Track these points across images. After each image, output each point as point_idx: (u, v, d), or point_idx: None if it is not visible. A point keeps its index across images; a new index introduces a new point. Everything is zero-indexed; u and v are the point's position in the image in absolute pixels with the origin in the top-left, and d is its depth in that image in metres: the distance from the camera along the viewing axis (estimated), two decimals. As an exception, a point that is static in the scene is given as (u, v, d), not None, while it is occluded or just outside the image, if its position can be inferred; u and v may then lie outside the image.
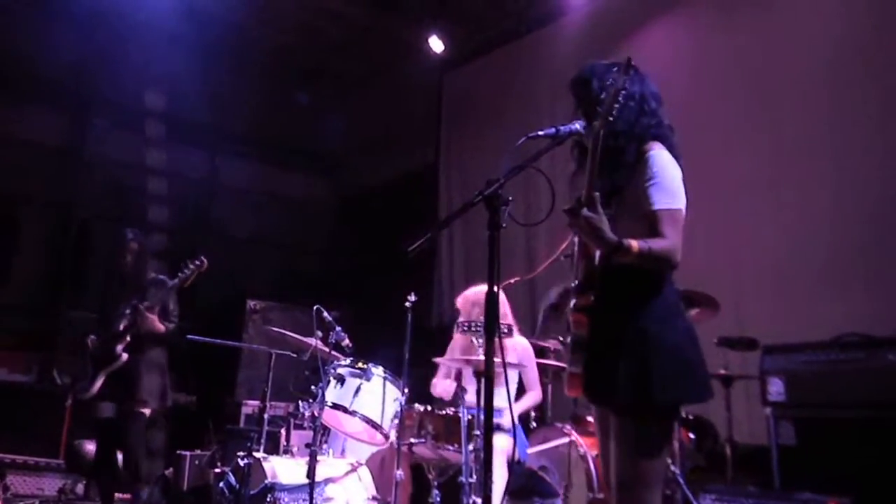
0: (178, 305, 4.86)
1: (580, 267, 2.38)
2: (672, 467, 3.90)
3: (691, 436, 4.55)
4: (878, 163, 4.94)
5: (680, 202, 2.32)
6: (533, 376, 4.49)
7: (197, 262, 4.64)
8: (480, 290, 4.44)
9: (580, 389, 2.41)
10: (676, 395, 2.33)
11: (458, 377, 4.32)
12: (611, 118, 2.22)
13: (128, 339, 4.67)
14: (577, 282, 2.41)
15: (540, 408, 4.90)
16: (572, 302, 2.37)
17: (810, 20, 5.47)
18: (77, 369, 4.85)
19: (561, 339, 2.65)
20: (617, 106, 2.25)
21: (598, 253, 2.31)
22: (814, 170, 5.25)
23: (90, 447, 5.86)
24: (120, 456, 4.85)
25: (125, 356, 4.66)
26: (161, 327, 4.70)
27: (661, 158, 2.34)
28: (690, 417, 4.61)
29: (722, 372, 4.47)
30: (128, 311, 4.72)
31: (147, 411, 4.74)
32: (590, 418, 4.47)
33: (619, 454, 2.31)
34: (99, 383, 4.66)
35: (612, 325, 2.32)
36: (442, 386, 4.60)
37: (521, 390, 4.56)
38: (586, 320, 2.33)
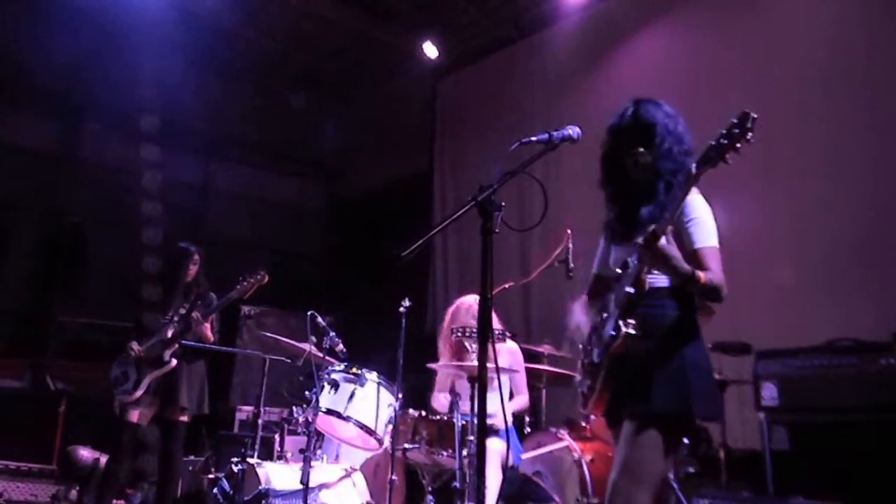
0: (219, 321, 5.09)
1: (626, 295, 2.42)
2: (666, 472, 3.90)
3: (685, 441, 4.55)
4: (872, 168, 4.97)
5: (716, 241, 2.52)
6: (521, 381, 4.47)
7: (258, 276, 4.80)
8: (469, 299, 4.46)
9: (603, 408, 2.55)
10: (708, 409, 2.49)
11: (453, 388, 4.31)
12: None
13: (176, 346, 4.81)
14: (620, 308, 2.46)
15: (534, 413, 4.90)
16: (621, 327, 2.40)
17: (803, 24, 5.50)
18: (120, 375, 4.91)
19: (582, 359, 2.67)
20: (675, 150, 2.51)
21: (646, 281, 2.40)
22: (807, 174, 5.27)
23: (84, 453, 5.85)
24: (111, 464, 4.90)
25: (174, 362, 4.80)
26: (211, 336, 4.94)
27: (698, 201, 2.52)
28: (684, 422, 4.61)
29: (716, 377, 4.48)
30: (177, 319, 4.89)
31: (185, 419, 4.91)
32: (584, 424, 4.48)
33: (625, 458, 2.39)
34: (144, 388, 4.77)
35: (651, 347, 2.43)
36: (440, 400, 4.59)
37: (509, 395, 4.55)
38: (630, 343, 2.40)
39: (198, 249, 5.16)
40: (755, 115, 2.20)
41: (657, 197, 2.51)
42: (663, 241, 2.34)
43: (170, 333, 4.84)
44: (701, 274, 2.40)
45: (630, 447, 2.40)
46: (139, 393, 4.76)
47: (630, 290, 2.40)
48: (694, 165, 2.28)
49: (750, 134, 2.20)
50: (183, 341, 4.82)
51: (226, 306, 4.93)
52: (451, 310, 4.58)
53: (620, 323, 2.39)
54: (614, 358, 2.44)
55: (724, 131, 2.23)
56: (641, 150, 2.58)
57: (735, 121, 2.22)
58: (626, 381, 2.47)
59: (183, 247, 5.14)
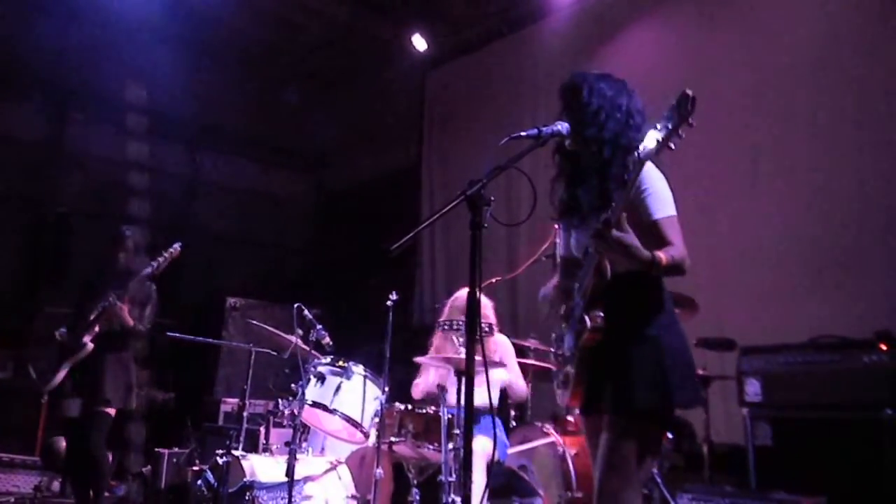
0: (156, 305, 4.86)
1: (589, 284, 2.38)
2: (650, 467, 3.92)
3: (669, 435, 4.58)
4: (857, 165, 5.00)
5: (674, 209, 2.40)
6: (513, 368, 4.49)
7: (171, 250, 4.69)
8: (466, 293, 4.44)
9: (580, 401, 2.46)
10: (688, 397, 2.40)
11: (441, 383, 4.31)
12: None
13: (96, 329, 4.64)
14: (585, 299, 2.41)
15: (520, 407, 4.91)
16: (587, 321, 2.34)
17: (791, 21, 5.51)
18: (44, 363, 4.79)
19: (554, 350, 2.63)
20: (603, 116, 2.39)
21: (608, 268, 2.33)
22: (793, 171, 5.30)
23: (65, 444, 5.82)
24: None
25: (90, 345, 4.62)
26: (130, 320, 4.68)
27: (651, 171, 2.40)
28: (668, 417, 4.64)
29: (700, 372, 4.50)
30: (103, 304, 4.69)
31: (111, 411, 4.68)
32: (570, 418, 4.49)
33: (609, 457, 2.31)
34: (62, 374, 4.61)
35: (622, 335, 2.35)
36: (423, 387, 4.59)
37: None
38: (599, 337, 2.34)
39: (133, 234, 4.96)
40: (692, 94, 2.07)
41: (588, 174, 2.44)
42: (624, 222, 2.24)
43: (91, 317, 4.66)
44: (662, 256, 2.28)
45: (614, 446, 2.32)
46: (57, 380, 4.60)
47: (592, 280, 2.34)
48: (637, 153, 2.18)
49: (690, 118, 2.08)
50: (162, 332, 4.76)
51: (145, 291, 4.76)
52: (449, 303, 4.56)
53: (586, 316, 2.34)
54: (585, 350, 2.38)
55: (666, 114, 2.12)
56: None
57: (674, 104, 2.11)
58: (601, 374, 2.38)
59: (117, 232, 4.95)
